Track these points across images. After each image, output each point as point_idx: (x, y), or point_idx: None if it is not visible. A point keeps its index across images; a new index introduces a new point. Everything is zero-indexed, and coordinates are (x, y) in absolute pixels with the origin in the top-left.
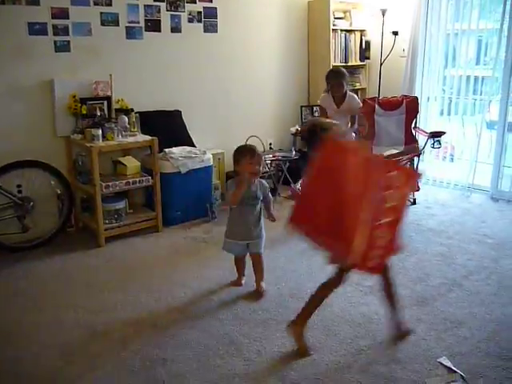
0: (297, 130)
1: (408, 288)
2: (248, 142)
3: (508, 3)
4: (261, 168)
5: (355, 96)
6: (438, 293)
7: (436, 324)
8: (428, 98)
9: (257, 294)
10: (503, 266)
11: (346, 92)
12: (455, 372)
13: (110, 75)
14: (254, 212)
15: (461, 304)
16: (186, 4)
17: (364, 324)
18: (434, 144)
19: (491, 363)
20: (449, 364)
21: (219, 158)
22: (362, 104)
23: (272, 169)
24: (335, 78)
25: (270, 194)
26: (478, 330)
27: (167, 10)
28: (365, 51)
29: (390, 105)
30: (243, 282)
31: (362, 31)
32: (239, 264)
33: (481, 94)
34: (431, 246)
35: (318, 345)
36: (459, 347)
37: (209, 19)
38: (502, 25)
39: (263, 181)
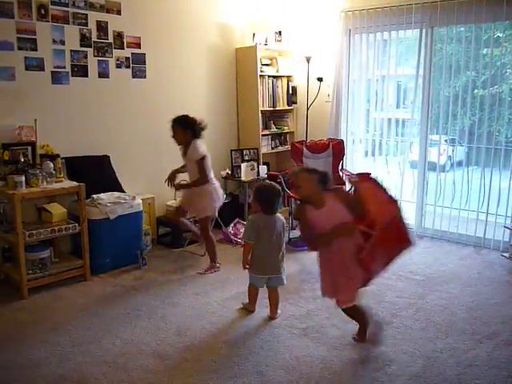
0: (227, 173)
1: (339, 328)
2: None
3: (422, 51)
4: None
5: (197, 146)
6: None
7: (368, 363)
8: (353, 141)
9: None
10: (430, 301)
11: (189, 140)
12: None
13: (35, 120)
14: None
15: (391, 341)
16: (113, 50)
17: (297, 367)
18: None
19: None
20: None
21: (149, 203)
22: (201, 156)
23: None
24: (173, 125)
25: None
26: (409, 366)
27: (94, 56)
28: (292, 96)
29: (317, 147)
30: (255, 309)
31: (288, 77)
32: (255, 292)
33: (403, 136)
34: None
35: None
36: None
37: (137, 65)
38: (417, 71)
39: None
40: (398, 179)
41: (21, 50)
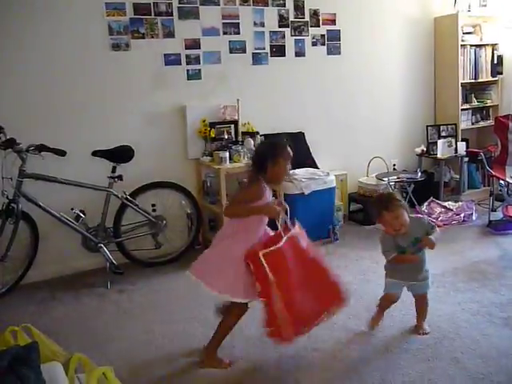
0: (422, 150)
1: None
2: (372, 163)
3: None
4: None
5: None
6: None
7: None
8: None
9: (416, 335)
10: None
11: None
12: None
13: (238, 100)
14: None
15: None
16: (309, 28)
17: (497, 358)
18: None
19: None
20: None
21: (342, 180)
22: None
23: (396, 190)
24: None
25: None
26: None
27: (291, 35)
28: (497, 66)
29: None
30: (378, 324)
31: (493, 45)
32: (386, 304)
33: None
34: None
35: (446, 378)
36: None
37: (332, 42)
38: None
39: (418, 217)
40: None
41: (225, 35)
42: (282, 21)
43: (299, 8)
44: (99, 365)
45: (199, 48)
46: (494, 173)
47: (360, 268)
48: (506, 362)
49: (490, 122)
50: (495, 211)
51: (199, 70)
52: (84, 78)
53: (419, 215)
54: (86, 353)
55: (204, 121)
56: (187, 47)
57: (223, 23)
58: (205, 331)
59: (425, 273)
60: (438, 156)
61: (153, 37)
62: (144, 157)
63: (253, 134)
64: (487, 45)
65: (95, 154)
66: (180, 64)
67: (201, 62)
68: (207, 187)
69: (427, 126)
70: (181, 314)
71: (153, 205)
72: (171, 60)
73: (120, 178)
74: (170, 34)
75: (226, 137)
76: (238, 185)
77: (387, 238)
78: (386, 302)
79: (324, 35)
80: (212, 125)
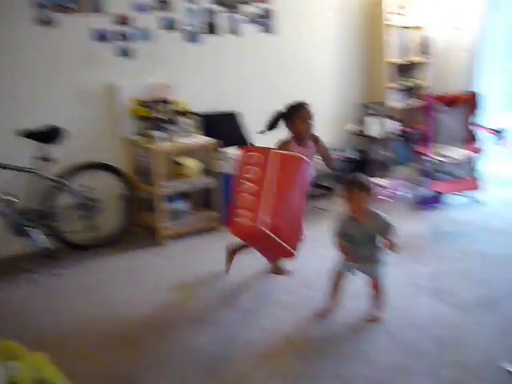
0: (354, 128)
1: (470, 291)
2: None
3: None
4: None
5: None
6: (504, 297)
7: (501, 329)
8: (490, 93)
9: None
10: None
11: None
12: None
13: (172, 79)
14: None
15: None
16: (243, 6)
17: (425, 326)
18: (497, 140)
19: None
20: None
21: None
22: None
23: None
24: None
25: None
26: None
27: (225, 13)
28: (424, 47)
29: (450, 101)
30: (337, 303)
31: (420, 26)
32: (339, 281)
33: None
34: (497, 247)
35: (380, 348)
36: None
37: (266, 20)
38: None
39: (377, 213)
40: None
41: (157, 11)
42: None
43: None
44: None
45: (130, 24)
46: (421, 150)
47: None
48: (433, 329)
49: (418, 100)
50: (423, 187)
51: (130, 47)
52: (7, 54)
53: (378, 211)
54: (19, 339)
55: (137, 100)
56: (117, 23)
57: None
58: (142, 313)
59: (374, 258)
60: (370, 134)
61: (79, 11)
62: (75, 137)
63: (187, 114)
64: (415, 26)
65: (22, 134)
66: (110, 41)
67: (132, 38)
68: (142, 167)
69: (358, 105)
70: (117, 297)
71: (86, 186)
72: (100, 36)
73: (49, 159)
74: (98, 9)
75: (161, 116)
76: None
77: (341, 221)
78: (338, 278)
79: (258, 13)
80: (145, 104)
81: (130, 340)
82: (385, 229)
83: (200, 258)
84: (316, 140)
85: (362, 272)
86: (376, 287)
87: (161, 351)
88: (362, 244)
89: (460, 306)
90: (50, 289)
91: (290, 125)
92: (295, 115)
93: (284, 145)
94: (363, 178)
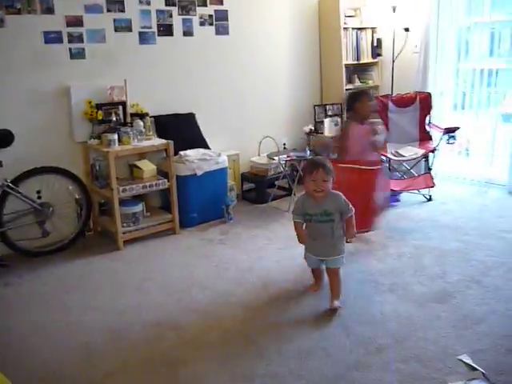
0: (310, 129)
1: (425, 285)
2: (262, 143)
3: None
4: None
5: None
6: (456, 290)
7: (455, 321)
8: (441, 93)
9: (330, 311)
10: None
11: None
12: (476, 369)
13: (125, 80)
14: (329, 229)
15: (480, 300)
16: (197, 8)
17: (383, 322)
18: (448, 139)
19: None
20: (469, 361)
21: (234, 160)
22: None
23: (287, 169)
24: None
25: (347, 208)
26: (498, 326)
27: (179, 15)
28: (377, 48)
29: (404, 101)
30: (318, 289)
31: (373, 28)
32: (315, 273)
33: (495, 87)
34: (449, 242)
35: (337, 345)
36: (479, 344)
37: (220, 22)
38: None
39: (337, 194)
40: (489, 133)
41: (109, 12)
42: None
43: None
44: None
45: (82, 26)
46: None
47: (254, 246)
48: (390, 324)
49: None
50: None
51: (83, 48)
52: None
53: (337, 192)
54: None
55: (90, 102)
56: (69, 24)
57: (107, 0)
58: (101, 320)
59: (338, 249)
60: (325, 134)
61: (30, 12)
62: (26, 141)
63: (142, 116)
64: (367, 28)
65: None
66: (61, 42)
67: (84, 40)
68: (96, 171)
69: (314, 106)
70: (73, 304)
71: (38, 191)
72: (52, 38)
73: None
74: (49, 10)
75: (114, 118)
76: None
77: (300, 200)
78: (315, 272)
79: (212, 15)
80: (99, 106)
81: (91, 347)
82: (344, 208)
83: (158, 261)
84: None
85: (324, 262)
86: (335, 277)
87: (121, 357)
88: (321, 223)
89: (415, 300)
90: (1, 298)
91: (354, 108)
92: (359, 99)
93: (349, 124)
94: (326, 160)
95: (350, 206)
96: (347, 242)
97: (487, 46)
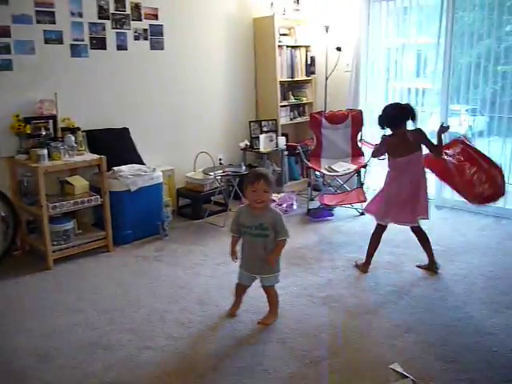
0: (246, 145)
1: (358, 297)
2: (198, 158)
3: (443, 19)
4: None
5: None
6: (388, 300)
7: (387, 331)
8: (372, 111)
9: (262, 324)
10: (449, 271)
11: None
12: (407, 377)
13: (55, 94)
14: (262, 245)
15: (410, 310)
16: (131, 21)
17: (317, 334)
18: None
19: (440, 366)
20: (400, 370)
21: (169, 175)
22: None
23: (223, 184)
24: None
25: (283, 230)
26: (427, 334)
27: (112, 28)
28: (310, 66)
29: (336, 118)
30: (236, 312)
31: (307, 47)
32: (239, 292)
33: (422, 106)
34: (380, 254)
35: (273, 359)
36: (410, 353)
37: (155, 37)
38: (438, 39)
39: (277, 212)
40: None
41: (39, 24)
42: (102, 12)
43: (119, 0)
44: None
45: (9, 36)
46: (310, 165)
47: (190, 262)
48: (325, 336)
49: (306, 117)
50: (313, 200)
51: (10, 60)
52: None
53: (279, 211)
54: None
55: (17, 116)
56: None
57: (36, 11)
58: (27, 342)
59: (268, 267)
60: (261, 150)
61: None
62: None
63: (73, 130)
64: (301, 46)
65: None
66: None
67: (11, 51)
68: (24, 187)
69: (250, 122)
70: (3, 326)
71: None
72: None
73: None
74: None
75: (44, 133)
76: None
77: (238, 211)
78: (239, 289)
79: (147, 29)
80: (27, 120)
81: (16, 372)
82: (280, 229)
83: (90, 280)
84: (419, 132)
85: (259, 279)
86: (270, 294)
87: (50, 382)
88: (255, 237)
89: (349, 312)
90: None
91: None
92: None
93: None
94: (268, 172)
95: (287, 230)
96: (268, 260)
97: (414, 66)
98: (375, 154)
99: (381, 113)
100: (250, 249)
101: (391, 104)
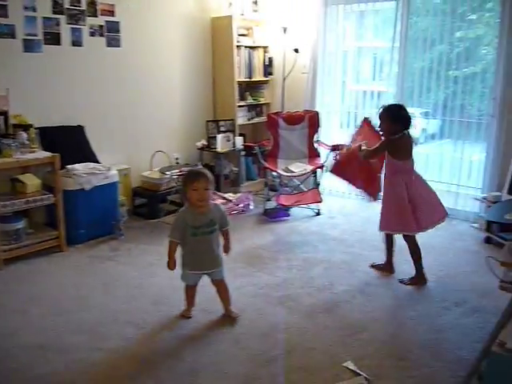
0: (203, 144)
1: (314, 297)
2: (154, 157)
3: (398, 24)
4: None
5: None
6: (342, 300)
7: (341, 330)
8: (329, 113)
9: (231, 320)
10: (402, 271)
11: None
12: (360, 375)
13: (7, 89)
14: (215, 239)
15: (363, 309)
16: (86, 17)
17: (272, 334)
18: (335, 156)
19: (392, 364)
20: (354, 368)
21: (125, 174)
22: None
23: (179, 183)
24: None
25: (227, 220)
26: (380, 333)
27: (67, 23)
28: (268, 67)
29: (293, 119)
30: (191, 312)
31: (265, 48)
32: (190, 293)
33: (378, 108)
34: (336, 254)
35: (228, 359)
36: (363, 351)
37: (111, 33)
38: (393, 44)
39: (218, 204)
40: None
41: None
42: (57, 7)
43: None
44: None
45: None
46: (267, 165)
47: (145, 262)
48: (280, 336)
49: (264, 118)
50: (270, 200)
51: None
52: None
53: (216, 203)
54: None
55: None
56: None
57: None
58: None
59: (219, 260)
60: (218, 150)
61: None
62: None
63: (26, 127)
64: (259, 47)
65: None
66: None
67: None
68: None
69: (207, 122)
70: None
71: None
72: None
73: None
74: None
75: None
76: None
77: (181, 217)
78: (190, 291)
79: (103, 26)
80: None
81: None
82: (225, 219)
83: (42, 281)
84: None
85: (210, 276)
86: (223, 286)
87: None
88: (207, 235)
89: (304, 311)
90: None
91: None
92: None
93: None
94: (206, 170)
95: (228, 218)
96: (225, 254)
97: (370, 69)
98: (371, 156)
99: (395, 113)
100: (201, 247)
101: (395, 104)
